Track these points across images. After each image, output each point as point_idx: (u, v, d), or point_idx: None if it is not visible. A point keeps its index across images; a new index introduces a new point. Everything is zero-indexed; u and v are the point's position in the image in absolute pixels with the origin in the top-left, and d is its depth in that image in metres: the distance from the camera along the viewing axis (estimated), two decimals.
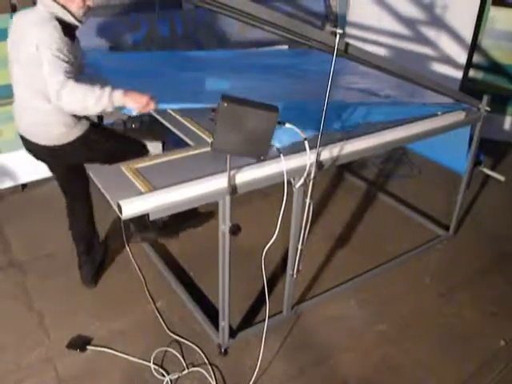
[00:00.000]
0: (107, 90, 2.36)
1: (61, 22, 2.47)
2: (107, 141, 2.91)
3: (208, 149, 2.28)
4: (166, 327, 2.94)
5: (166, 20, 4.77)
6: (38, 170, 3.51)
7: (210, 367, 2.72)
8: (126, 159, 2.46)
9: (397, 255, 3.59)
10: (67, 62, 2.38)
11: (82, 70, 2.67)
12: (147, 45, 4.62)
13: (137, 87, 2.52)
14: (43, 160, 2.88)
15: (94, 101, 2.34)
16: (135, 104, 2.42)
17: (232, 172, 2.24)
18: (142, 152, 2.95)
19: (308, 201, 2.50)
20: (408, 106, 3.17)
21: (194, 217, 3.65)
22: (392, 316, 3.11)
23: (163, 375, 2.66)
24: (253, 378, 2.64)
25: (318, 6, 5.84)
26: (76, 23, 2.57)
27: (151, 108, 2.47)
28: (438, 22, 5.20)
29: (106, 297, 3.15)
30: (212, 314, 2.94)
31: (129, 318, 3.01)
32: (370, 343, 2.94)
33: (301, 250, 2.65)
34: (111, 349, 2.80)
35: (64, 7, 2.49)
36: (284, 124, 2.19)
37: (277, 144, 2.41)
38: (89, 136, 2.76)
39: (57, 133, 2.64)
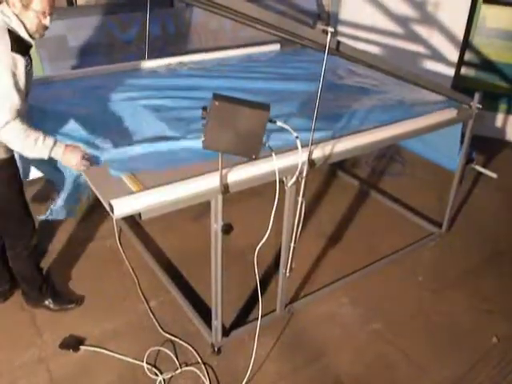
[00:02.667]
0: (50, 143, 2.28)
1: (13, 34, 2.23)
2: (10, 189, 2.61)
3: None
4: (159, 327, 2.93)
5: (157, 19, 4.76)
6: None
7: (203, 366, 2.71)
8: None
9: (390, 253, 3.59)
10: (18, 93, 2.21)
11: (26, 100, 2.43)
12: (138, 44, 4.61)
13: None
14: None
15: (33, 149, 2.27)
16: (69, 164, 2.34)
17: (224, 171, 2.24)
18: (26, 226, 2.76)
19: (300, 199, 2.50)
20: (399, 111, 3.18)
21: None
22: (385, 314, 3.12)
23: (156, 375, 2.65)
24: (246, 377, 2.63)
25: (310, 5, 5.85)
26: (29, 40, 2.32)
27: (84, 167, 2.33)
28: (430, 20, 5.22)
29: (98, 296, 3.14)
30: (205, 313, 2.94)
31: (122, 318, 3.00)
32: (363, 341, 2.94)
33: (293, 248, 2.65)
34: (104, 348, 2.79)
35: (19, 18, 2.26)
36: (275, 122, 2.19)
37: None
38: (7, 168, 2.54)
39: None
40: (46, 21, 2.29)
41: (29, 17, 2.25)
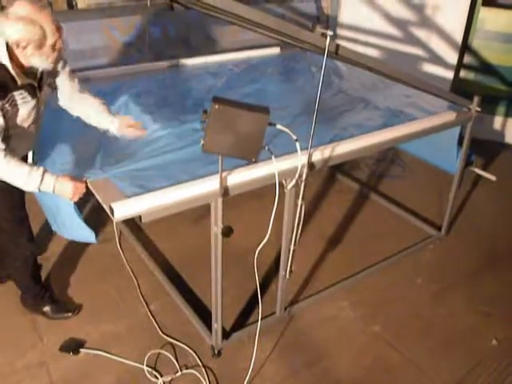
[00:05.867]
0: (37, 177, 2.17)
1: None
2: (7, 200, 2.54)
3: None
4: (159, 329, 2.94)
5: (157, 22, 4.78)
6: None
7: (203, 369, 2.72)
8: None
9: (389, 256, 3.60)
10: None
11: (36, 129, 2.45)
12: (139, 47, 4.62)
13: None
14: None
15: (19, 184, 2.20)
16: (64, 195, 2.23)
17: (224, 174, 2.25)
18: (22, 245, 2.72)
19: (300, 202, 2.51)
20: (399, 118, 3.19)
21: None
22: (385, 317, 3.12)
23: (156, 377, 2.65)
24: (246, 380, 2.64)
25: (310, 8, 5.86)
26: (17, 79, 2.17)
27: (81, 191, 2.25)
28: (429, 23, 5.23)
29: (98, 300, 3.14)
30: (205, 316, 2.94)
31: (122, 321, 3.00)
32: (363, 344, 2.94)
33: (293, 250, 2.66)
34: (104, 351, 2.79)
35: (11, 54, 2.12)
36: (275, 125, 2.20)
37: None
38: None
39: None
40: (58, 43, 2.18)
41: (44, 53, 2.16)
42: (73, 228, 2.56)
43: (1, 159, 2.13)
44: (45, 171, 2.19)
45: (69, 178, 2.22)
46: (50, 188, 2.20)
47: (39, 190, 2.20)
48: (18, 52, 2.13)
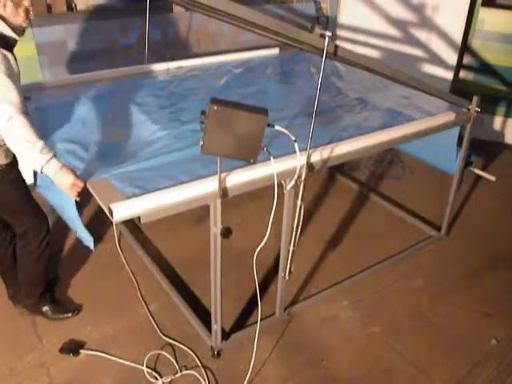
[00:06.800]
0: (47, 155, 2.19)
1: None
2: (18, 189, 2.60)
3: None
4: (158, 330, 2.94)
5: (157, 24, 4.78)
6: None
7: (203, 370, 2.72)
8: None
9: (389, 256, 3.60)
10: (16, 87, 2.19)
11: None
12: (139, 49, 4.63)
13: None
14: None
15: (30, 154, 2.18)
16: (61, 186, 2.24)
17: (223, 175, 2.25)
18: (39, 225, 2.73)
19: (299, 203, 2.51)
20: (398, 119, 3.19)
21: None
22: (384, 317, 3.12)
23: (156, 378, 2.65)
24: (246, 380, 2.64)
25: (310, 9, 5.87)
26: (15, 36, 2.27)
27: (78, 188, 2.24)
28: (429, 24, 5.24)
29: (98, 300, 3.15)
30: (205, 317, 2.94)
31: (122, 322, 3.01)
32: (362, 345, 2.94)
33: (292, 251, 2.66)
34: (104, 352, 2.79)
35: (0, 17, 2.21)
36: (273, 126, 2.20)
37: None
38: (10, 172, 2.49)
39: None
40: (27, 1, 2.24)
41: (19, 14, 2.22)
42: (75, 227, 2.58)
43: (25, 123, 2.15)
44: (55, 155, 2.22)
45: (72, 172, 2.24)
46: (51, 172, 2.20)
47: (40, 171, 2.20)
48: (12, 10, 2.20)
